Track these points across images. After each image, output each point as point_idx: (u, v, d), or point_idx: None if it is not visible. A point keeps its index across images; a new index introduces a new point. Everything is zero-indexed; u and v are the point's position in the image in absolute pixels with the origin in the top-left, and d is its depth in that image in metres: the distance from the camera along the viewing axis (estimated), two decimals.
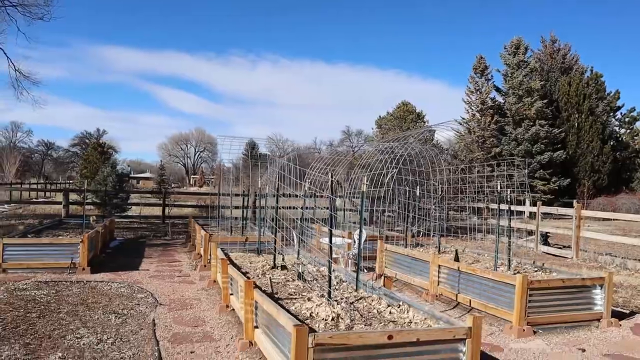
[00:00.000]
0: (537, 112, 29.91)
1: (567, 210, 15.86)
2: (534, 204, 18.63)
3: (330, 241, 5.50)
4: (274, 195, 8.62)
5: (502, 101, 31.94)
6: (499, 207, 7.58)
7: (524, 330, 6.13)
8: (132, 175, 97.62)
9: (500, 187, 8.04)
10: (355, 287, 6.26)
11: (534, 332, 6.23)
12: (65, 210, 22.32)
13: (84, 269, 10.06)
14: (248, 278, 7.11)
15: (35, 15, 20.14)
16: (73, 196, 27.78)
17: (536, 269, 7.75)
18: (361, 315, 5.01)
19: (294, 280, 6.92)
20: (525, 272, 7.51)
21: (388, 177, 8.09)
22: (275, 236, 8.13)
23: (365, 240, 10.98)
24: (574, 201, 21.62)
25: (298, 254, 9.05)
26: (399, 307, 5.28)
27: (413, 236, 10.60)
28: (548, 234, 15.69)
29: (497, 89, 32.11)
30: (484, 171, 29.73)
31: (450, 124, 8.91)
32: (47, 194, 34.83)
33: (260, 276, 7.32)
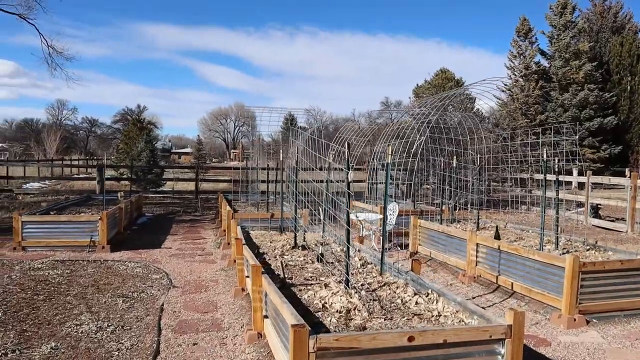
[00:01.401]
0: (586, 75, 27.90)
1: (620, 180, 14.56)
2: (582, 173, 17.27)
3: (348, 220, 4.78)
4: (298, 169, 7.95)
5: (548, 65, 29.97)
6: (545, 177, 6.63)
7: (575, 319, 5.30)
8: (173, 150, 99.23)
9: (547, 156, 7.09)
10: (379, 270, 5.56)
11: (587, 322, 5.38)
12: (100, 186, 22.34)
13: (103, 247, 9.75)
14: (264, 259, 6.51)
15: None
16: (111, 172, 28.10)
17: (588, 248, 6.83)
18: (382, 307, 4.31)
19: (313, 262, 6.28)
20: (576, 251, 6.61)
21: (416, 145, 7.25)
22: (295, 212, 7.47)
23: (399, 215, 10.22)
24: (627, 169, 20.05)
25: (323, 231, 8.39)
26: (427, 296, 4.56)
27: (450, 211, 9.75)
28: (599, 206, 14.48)
29: (542, 53, 30.12)
30: (528, 139, 28.09)
31: (491, 81, 7.89)
32: (88, 170, 35.37)
33: (277, 257, 6.71)
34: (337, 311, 4.21)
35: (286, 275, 5.54)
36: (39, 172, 30.62)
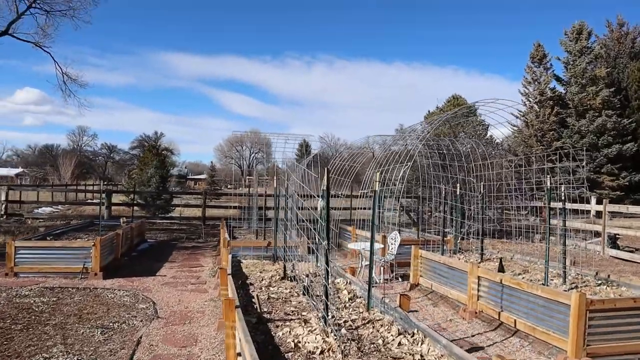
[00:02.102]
0: (603, 101, 27.29)
1: (639, 209, 13.90)
2: (600, 201, 16.61)
3: (327, 256, 4.42)
4: (293, 196, 7.64)
5: (563, 91, 29.44)
6: (549, 205, 6.18)
7: None
8: (189, 176, 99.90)
9: (559, 183, 6.65)
10: (367, 306, 5.16)
11: None
12: (108, 211, 22.26)
13: (96, 274, 9.47)
14: (248, 291, 6.15)
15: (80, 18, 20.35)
16: (123, 197, 28.13)
17: (600, 282, 6.32)
18: (359, 348, 3.91)
19: (299, 295, 5.89)
20: (586, 286, 6.11)
21: (404, 169, 6.85)
22: (285, 241, 7.12)
23: (402, 245, 9.78)
24: None
25: (317, 261, 8.01)
26: (412, 336, 4.14)
27: (454, 240, 9.28)
28: (617, 236, 13.80)
29: (557, 79, 29.62)
30: (544, 165, 27.40)
31: (501, 102, 7.48)
32: (103, 195, 35.37)
33: (263, 289, 6.35)
34: (309, 352, 3.82)
35: (265, 310, 5.17)
36: (52, 197, 30.84)
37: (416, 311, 7.34)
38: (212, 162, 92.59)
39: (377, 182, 4.98)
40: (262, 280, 6.73)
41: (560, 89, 29.82)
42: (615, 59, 31.09)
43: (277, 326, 4.63)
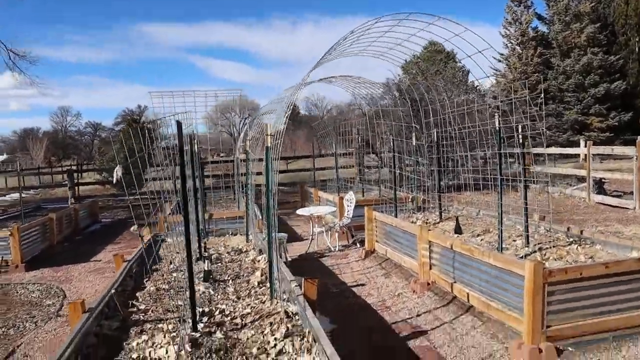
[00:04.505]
0: (589, 38, 25.78)
1: (625, 150, 12.81)
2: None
3: (187, 229, 3.30)
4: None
5: (546, 30, 27.85)
6: (498, 150, 5.01)
7: (540, 351, 3.74)
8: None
9: (515, 124, 5.48)
10: (270, 294, 4.07)
11: (560, 353, 3.82)
12: (72, 192, 21.03)
13: (17, 266, 8.43)
14: (144, 279, 5.06)
15: None
16: (97, 176, 26.97)
17: (571, 241, 5.25)
18: None
19: (199, 282, 4.80)
20: (553, 247, 5.03)
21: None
22: (200, 213, 5.98)
23: (358, 206, 8.70)
24: (639, 137, 18.21)
25: (247, 236, 6.90)
26: (301, 340, 3.05)
27: (413, 199, 8.17)
28: (603, 180, 12.72)
29: (540, 17, 27.98)
30: (528, 111, 26.01)
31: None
32: (83, 175, 34.11)
33: (165, 275, 5.26)
34: None
35: (141, 307, 4.07)
36: (22, 182, 29.55)
37: (364, 285, 6.31)
38: (193, 131, 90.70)
39: (269, 136, 3.81)
40: (170, 263, 5.64)
41: (543, 28, 28.24)
42: None
43: (140, 332, 3.56)
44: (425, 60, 25.21)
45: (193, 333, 3.33)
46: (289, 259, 7.93)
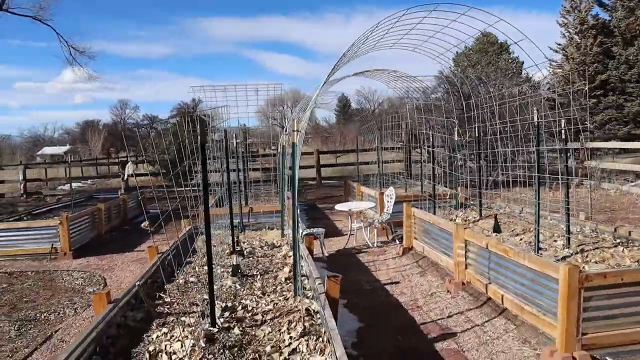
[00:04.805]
0: None
1: None
2: None
3: (209, 223, 3.31)
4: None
5: (608, 18, 26.32)
6: (536, 147, 4.72)
7: (574, 359, 3.51)
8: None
9: (557, 119, 5.17)
10: (294, 291, 4.04)
11: None
12: (125, 183, 21.88)
13: (65, 254, 8.80)
14: (175, 272, 5.15)
15: None
16: (151, 167, 27.86)
17: (618, 243, 4.91)
18: None
19: (228, 276, 4.84)
20: (596, 249, 4.73)
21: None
22: (235, 208, 6.01)
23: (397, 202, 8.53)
24: None
25: (282, 230, 6.90)
26: (316, 340, 2.99)
27: (456, 195, 7.92)
28: None
29: (601, 4, 26.41)
30: (587, 103, 24.76)
31: None
32: (138, 166, 35.38)
33: (197, 268, 5.35)
34: None
35: (167, 300, 4.14)
36: (81, 172, 30.95)
37: (398, 282, 6.17)
38: (244, 124, 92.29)
39: (295, 132, 3.75)
40: (203, 256, 5.71)
41: (604, 15, 26.68)
42: None
43: (162, 324, 3.61)
44: (478, 52, 24.43)
45: (211, 328, 3.34)
46: (327, 254, 7.89)
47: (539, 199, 4.54)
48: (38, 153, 61.35)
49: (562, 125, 4.70)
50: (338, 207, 8.87)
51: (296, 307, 3.68)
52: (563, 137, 4.73)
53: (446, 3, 4.70)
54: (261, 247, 6.26)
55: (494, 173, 7.87)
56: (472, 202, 8.03)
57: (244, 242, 6.40)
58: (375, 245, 8.32)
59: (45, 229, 8.92)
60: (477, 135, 6.51)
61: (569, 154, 4.87)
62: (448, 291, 5.57)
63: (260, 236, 7.29)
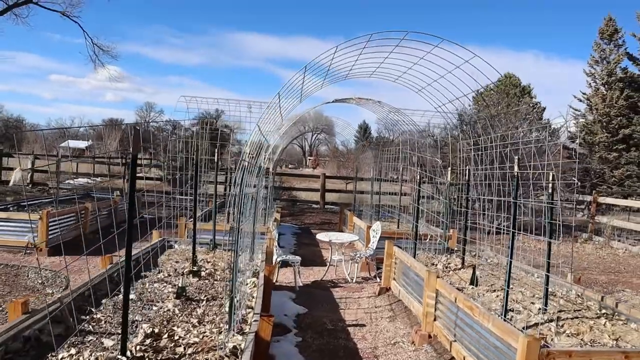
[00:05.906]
0: None
1: None
2: None
3: (128, 251, 3.00)
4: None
5: (637, 72, 25.78)
6: (514, 199, 4.30)
7: None
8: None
9: (555, 174, 4.75)
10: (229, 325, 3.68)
11: None
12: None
13: (41, 250, 8.59)
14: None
15: None
16: (160, 172, 27.86)
17: (602, 313, 4.46)
18: None
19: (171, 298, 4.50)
20: (575, 317, 4.28)
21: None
22: (194, 223, 5.70)
23: (383, 238, 8.13)
24: None
25: (252, 252, 6.56)
26: None
27: (445, 236, 7.50)
28: None
29: (631, 57, 25.89)
30: (609, 156, 24.04)
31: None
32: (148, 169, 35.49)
33: (147, 284, 5.03)
34: None
35: (96, 317, 3.83)
36: (93, 169, 31.07)
37: (363, 325, 5.76)
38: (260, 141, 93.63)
39: (248, 154, 3.44)
40: (159, 272, 5.40)
41: (634, 69, 26.14)
42: None
43: (74, 344, 3.30)
44: (500, 92, 24.02)
45: (120, 357, 3.01)
46: (301, 284, 7.51)
47: (511, 257, 4.13)
48: (61, 145, 62.30)
49: (550, 178, 4.31)
50: (319, 236, 8.51)
51: (221, 344, 3.32)
52: (550, 190, 4.32)
53: (419, 32, 4.44)
54: (223, 270, 5.92)
55: (487, 219, 7.45)
56: (462, 248, 7.59)
57: (208, 262, 6.07)
58: (354, 280, 7.91)
59: (25, 222, 8.73)
60: (467, 179, 6.12)
61: (553, 209, 4.44)
62: (413, 342, 5.14)
63: (229, 257, 6.95)
